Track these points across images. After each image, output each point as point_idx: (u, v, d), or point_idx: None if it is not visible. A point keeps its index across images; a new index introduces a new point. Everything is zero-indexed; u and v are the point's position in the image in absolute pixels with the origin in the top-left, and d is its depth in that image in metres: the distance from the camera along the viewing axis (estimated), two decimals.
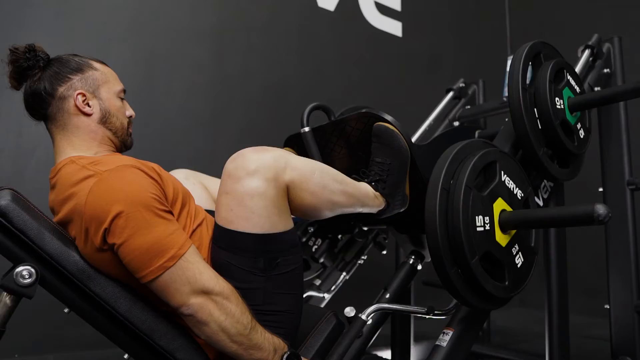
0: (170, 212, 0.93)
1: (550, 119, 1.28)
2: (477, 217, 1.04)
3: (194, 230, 1.01)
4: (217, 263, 0.97)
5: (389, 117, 1.22)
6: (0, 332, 0.91)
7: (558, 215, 1.01)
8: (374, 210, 1.21)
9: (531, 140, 1.25)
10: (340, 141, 1.37)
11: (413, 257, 1.54)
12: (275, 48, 2.88)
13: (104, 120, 1.05)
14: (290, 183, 0.98)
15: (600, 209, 0.92)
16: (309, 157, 1.49)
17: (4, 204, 0.89)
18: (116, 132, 1.08)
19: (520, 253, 1.13)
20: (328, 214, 1.09)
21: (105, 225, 0.86)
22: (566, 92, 1.39)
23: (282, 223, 0.97)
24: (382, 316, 1.42)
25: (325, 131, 1.38)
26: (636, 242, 1.74)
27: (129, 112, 1.12)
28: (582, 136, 1.43)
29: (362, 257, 1.94)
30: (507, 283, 1.09)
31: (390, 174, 1.20)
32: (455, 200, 1.03)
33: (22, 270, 0.89)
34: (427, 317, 1.24)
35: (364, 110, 1.26)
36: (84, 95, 1.03)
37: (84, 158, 0.99)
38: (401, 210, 1.25)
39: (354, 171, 1.29)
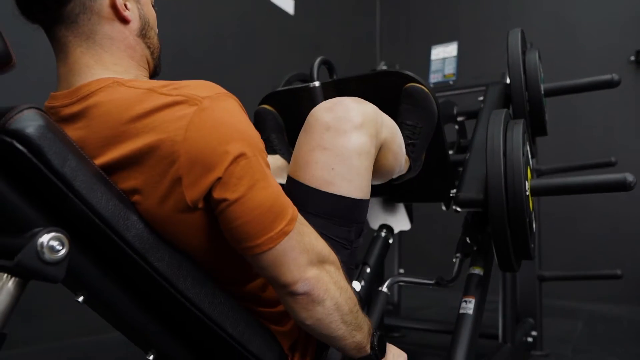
0: None
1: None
2: (525, 180, 1.08)
3: None
4: None
5: (421, 80, 1.17)
6: (1, 335, 0.59)
7: (591, 183, 1.09)
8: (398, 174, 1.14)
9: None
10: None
11: (385, 230, 1.52)
12: (171, 3, 2.54)
13: (144, 32, 0.77)
14: (384, 142, 0.88)
15: (630, 176, 1.04)
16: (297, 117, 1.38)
17: (32, 132, 0.57)
18: (153, 51, 0.80)
19: (534, 220, 1.22)
20: (387, 178, 1.00)
21: (218, 173, 0.62)
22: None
23: (369, 188, 0.86)
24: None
25: (344, 87, 1.24)
26: (540, 221, 2.01)
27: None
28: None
29: None
30: (532, 246, 1.15)
31: (421, 137, 1.13)
32: (516, 166, 1.06)
33: (50, 238, 0.58)
34: (437, 287, 1.25)
35: (395, 70, 1.19)
36: None
37: (138, 81, 0.70)
38: (410, 177, 1.20)
39: None
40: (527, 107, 1.40)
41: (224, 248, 0.71)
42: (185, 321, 0.73)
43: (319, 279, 0.69)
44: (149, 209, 0.66)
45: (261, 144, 0.68)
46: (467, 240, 1.28)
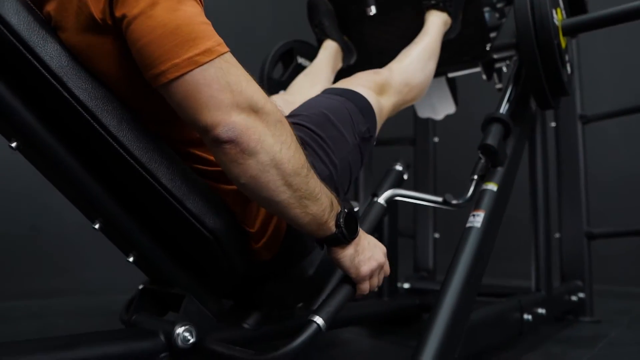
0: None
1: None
2: (553, 10, 1.13)
3: None
4: (330, 104, 0.96)
5: None
6: None
7: (619, 12, 1.13)
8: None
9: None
10: None
11: (399, 164, 1.42)
12: None
13: None
14: (405, 98, 1.18)
15: None
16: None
17: None
18: None
19: (567, 64, 1.25)
20: (419, 97, 1.25)
21: None
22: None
23: (377, 123, 1.04)
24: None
25: None
26: (586, 173, 1.80)
27: None
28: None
29: None
30: (565, 79, 1.17)
31: None
32: None
33: None
34: (443, 207, 1.13)
35: None
36: None
37: None
38: (452, 37, 1.35)
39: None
40: None
41: (151, 92, 0.64)
42: (118, 170, 0.68)
43: (248, 125, 0.60)
44: (66, 34, 0.64)
45: None
46: (483, 159, 1.14)
